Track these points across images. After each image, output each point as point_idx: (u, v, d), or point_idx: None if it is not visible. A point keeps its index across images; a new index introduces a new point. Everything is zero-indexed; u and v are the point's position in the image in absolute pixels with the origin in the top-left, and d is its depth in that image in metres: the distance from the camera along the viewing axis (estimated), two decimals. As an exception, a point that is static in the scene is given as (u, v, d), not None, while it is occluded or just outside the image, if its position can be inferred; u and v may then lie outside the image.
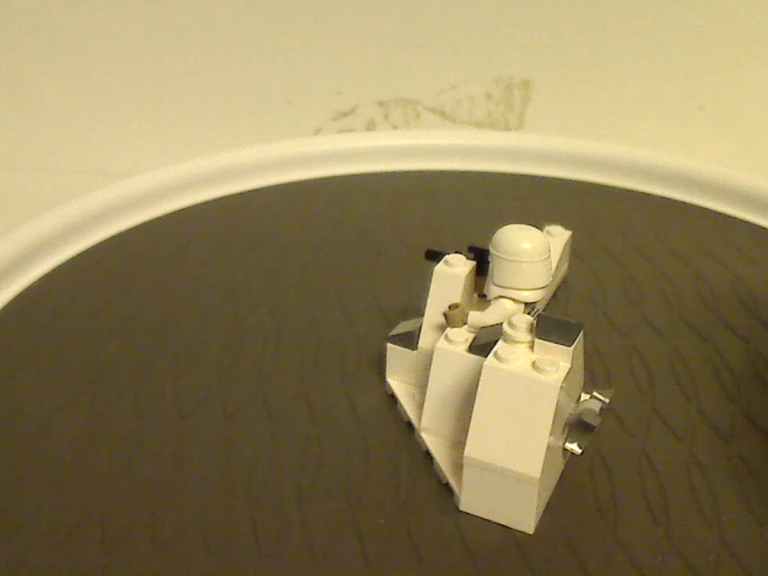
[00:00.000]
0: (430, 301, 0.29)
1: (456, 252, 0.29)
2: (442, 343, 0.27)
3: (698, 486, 0.26)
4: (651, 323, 0.34)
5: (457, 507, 0.25)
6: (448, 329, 0.27)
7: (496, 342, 0.25)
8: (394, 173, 0.48)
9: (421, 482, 0.26)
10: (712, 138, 0.59)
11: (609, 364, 0.32)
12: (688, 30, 0.57)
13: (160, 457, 0.27)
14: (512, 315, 0.26)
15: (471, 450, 0.24)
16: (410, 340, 0.29)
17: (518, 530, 0.25)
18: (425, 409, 0.27)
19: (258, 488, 0.26)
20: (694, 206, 0.44)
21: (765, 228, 0.42)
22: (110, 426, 0.29)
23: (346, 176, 0.47)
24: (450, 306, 0.27)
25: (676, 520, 0.25)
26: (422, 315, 0.30)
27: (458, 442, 0.27)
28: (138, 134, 0.61)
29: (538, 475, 0.23)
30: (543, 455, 0.23)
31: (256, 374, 0.31)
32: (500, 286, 0.27)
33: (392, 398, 0.30)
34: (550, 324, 0.25)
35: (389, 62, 0.59)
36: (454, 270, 0.28)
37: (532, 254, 0.26)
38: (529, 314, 0.27)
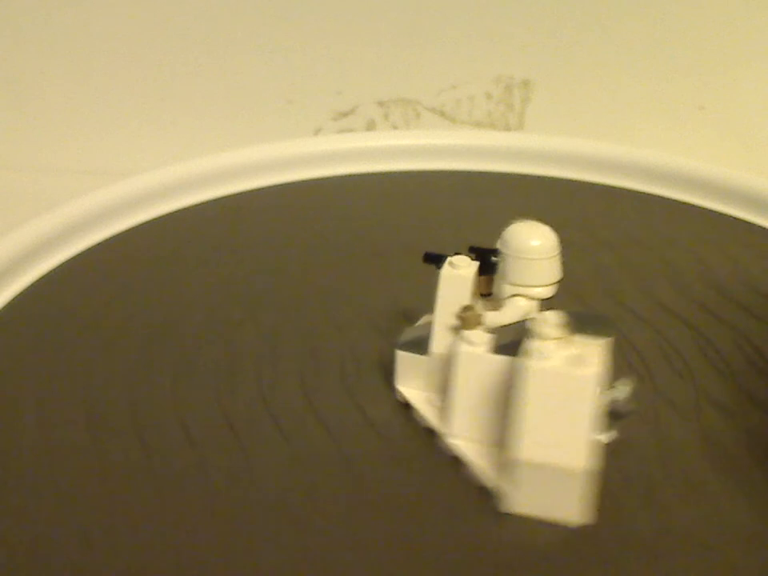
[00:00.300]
0: (438, 304, 0.28)
1: (456, 253, 0.29)
2: (464, 347, 0.26)
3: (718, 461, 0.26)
4: (664, 307, 0.34)
5: (499, 509, 0.25)
6: (463, 331, 0.27)
7: (520, 340, 0.25)
8: (394, 173, 0.48)
9: (457, 487, 0.26)
10: (712, 138, 0.59)
11: (638, 354, 0.32)
12: (688, 30, 0.57)
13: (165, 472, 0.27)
14: (527, 313, 0.26)
15: (519, 450, 0.24)
16: (420, 346, 0.29)
17: (564, 525, 0.25)
18: (452, 414, 0.27)
19: (293, 513, 0.25)
20: (693, 205, 0.44)
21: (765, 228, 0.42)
22: (110, 425, 0.29)
23: (345, 176, 0.47)
24: (463, 309, 0.27)
25: (711, 495, 0.25)
26: (422, 319, 0.31)
27: (493, 443, 0.27)
28: (138, 133, 0.61)
29: (585, 467, 0.24)
30: (588, 447, 0.24)
31: (257, 387, 0.31)
32: (514, 285, 0.27)
33: (405, 406, 0.29)
34: (583, 319, 0.25)
35: (389, 62, 0.59)
36: (461, 271, 0.28)
37: (544, 250, 0.27)
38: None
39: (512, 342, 0.26)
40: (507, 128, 0.61)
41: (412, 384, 0.29)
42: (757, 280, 0.37)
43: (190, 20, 0.58)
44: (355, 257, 0.39)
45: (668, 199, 0.45)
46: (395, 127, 0.61)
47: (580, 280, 0.37)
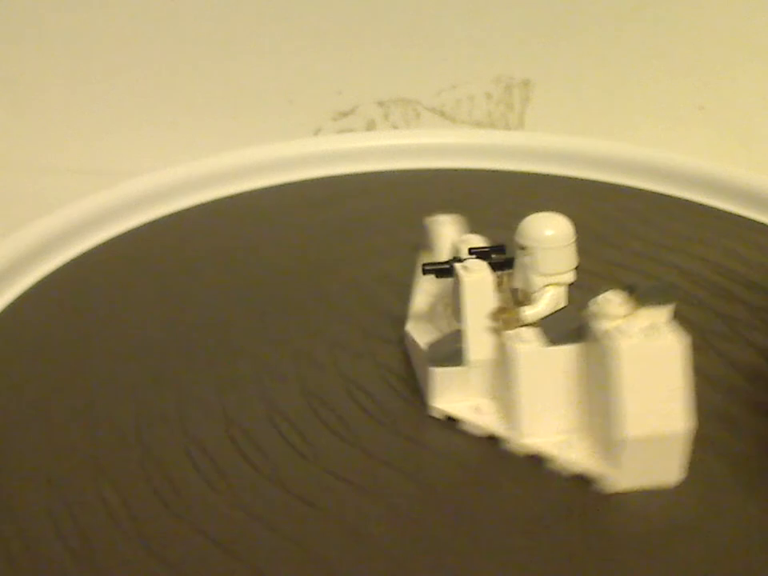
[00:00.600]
0: (468, 312, 0.28)
1: (455, 259, 0.29)
2: (521, 346, 0.26)
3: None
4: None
5: (602, 491, 0.25)
6: (505, 332, 0.27)
7: (576, 327, 0.26)
8: (394, 172, 0.48)
9: (557, 485, 0.26)
10: (712, 137, 0.59)
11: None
12: (688, 29, 0.57)
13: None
14: (558, 301, 0.27)
15: (623, 429, 0.25)
16: (455, 357, 0.28)
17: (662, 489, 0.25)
18: (520, 414, 0.27)
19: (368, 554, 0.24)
20: (694, 202, 0.45)
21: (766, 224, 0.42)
22: (111, 426, 0.29)
23: (345, 175, 0.47)
24: (499, 311, 0.27)
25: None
26: (410, 322, 0.31)
27: (569, 432, 0.27)
28: (138, 134, 0.61)
29: (687, 428, 0.25)
30: (686, 407, 0.25)
31: (259, 389, 0.31)
32: (546, 275, 0.28)
33: (448, 421, 0.28)
34: (645, 290, 0.26)
35: (389, 62, 0.59)
36: (482, 274, 0.28)
37: (569, 236, 0.28)
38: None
39: (566, 330, 0.26)
40: (507, 128, 0.61)
41: (451, 398, 0.29)
42: (757, 277, 0.38)
43: (190, 20, 0.58)
44: (356, 256, 0.39)
45: (669, 196, 0.45)
46: (395, 127, 0.61)
47: (582, 277, 0.37)
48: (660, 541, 0.24)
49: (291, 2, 0.57)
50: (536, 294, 0.28)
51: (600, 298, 0.26)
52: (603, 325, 0.25)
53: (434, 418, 0.29)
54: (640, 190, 0.46)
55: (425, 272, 0.30)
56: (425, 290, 0.33)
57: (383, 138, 0.49)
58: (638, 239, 0.41)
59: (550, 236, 0.27)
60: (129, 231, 0.41)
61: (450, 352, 0.28)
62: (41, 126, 0.61)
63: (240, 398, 0.30)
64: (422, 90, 0.60)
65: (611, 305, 0.25)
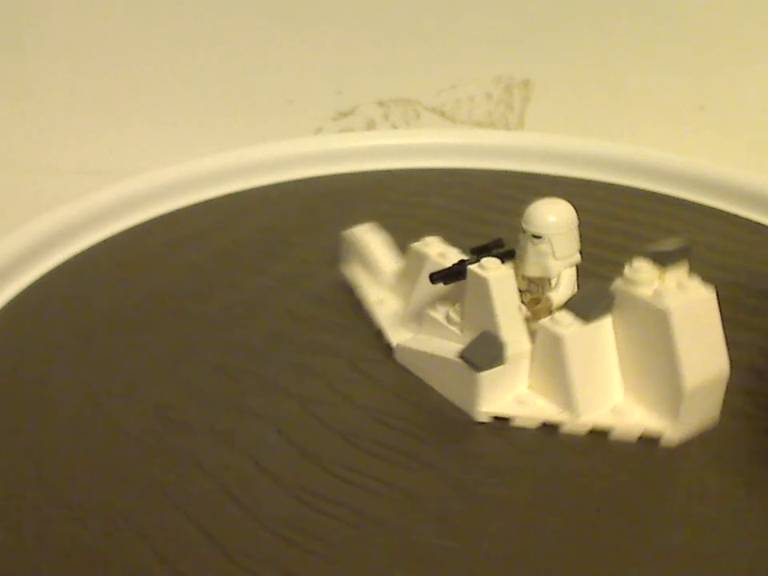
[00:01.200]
0: (498, 309, 0.28)
1: (462, 261, 0.29)
2: (564, 332, 0.27)
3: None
4: None
5: (669, 445, 0.27)
6: (539, 322, 0.28)
7: (604, 303, 0.27)
8: (395, 171, 0.48)
9: (628, 452, 0.27)
10: (712, 137, 0.59)
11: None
12: (688, 29, 0.57)
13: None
14: (573, 280, 0.29)
15: (682, 384, 0.26)
16: (496, 358, 0.28)
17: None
18: (575, 395, 0.27)
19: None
20: (694, 203, 0.45)
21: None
22: (109, 424, 0.29)
23: (346, 174, 0.47)
24: (532, 302, 0.28)
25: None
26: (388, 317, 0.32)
27: (626, 397, 0.28)
28: (138, 134, 0.61)
29: (728, 368, 0.27)
30: (724, 349, 0.27)
31: (259, 389, 0.31)
32: (563, 258, 0.28)
33: (502, 420, 0.28)
34: (665, 254, 0.27)
35: (389, 62, 0.59)
36: (502, 270, 0.28)
37: (575, 217, 0.29)
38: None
39: (597, 307, 0.28)
40: (507, 128, 0.61)
41: (497, 398, 0.28)
42: (757, 277, 0.38)
43: (190, 20, 0.58)
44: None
45: (669, 196, 0.45)
46: (395, 127, 0.61)
47: (584, 277, 0.37)
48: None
49: (291, 1, 0.57)
50: (553, 278, 0.29)
51: (627, 270, 0.27)
52: (641, 291, 0.27)
53: (480, 423, 0.28)
54: (640, 189, 0.46)
55: (434, 281, 0.29)
56: (381, 302, 0.33)
57: (383, 138, 0.49)
58: (638, 239, 0.41)
59: (563, 221, 0.28)
60: (128, 229, 0.41)
61: (490, 354, 0.28)
62: (41, 126, 0.61)
63: (241, 398, 0.30)
64: (422, 90, 0.60)
65: (643, 272, 0.27)
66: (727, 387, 0.28)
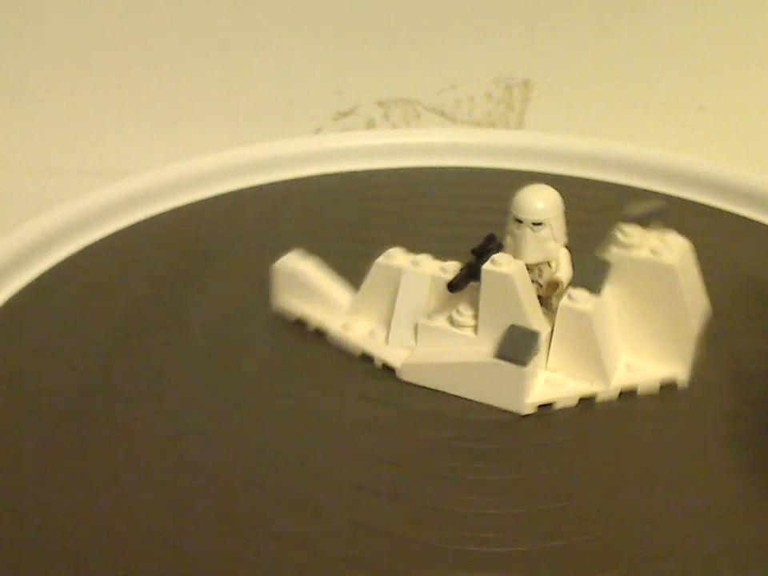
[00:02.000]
0: (523, 300, 0.28)
1: (470, 264, 0.29)
2: (586, 307, 0.28)
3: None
4: None
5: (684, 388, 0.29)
6: (555, 302, 0.29)
7: (605, 273, 0.29)
8: (394, 170, 0.48)
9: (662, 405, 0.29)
10: (712, 137, 0.59)
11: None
12: (688, 29, 0.57)
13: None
14: (568, 257, 0.30)
15: (692, 325, 0.29)
16: (533, 347, 0.28)
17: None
18: (605, 365, 0.29)
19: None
20: (694, 202, 0.45)
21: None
22: (109, 423, 0.29)
23: (346, 174, 0.47)
24: (551, 286, 0.29)
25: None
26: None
27: (636, 353, 0.30)
28: (138, 133, 0.61)
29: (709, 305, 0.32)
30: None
31: (260, 388, 0.31)
32: (559, 239, 0.29)
33: (543, 408, 0.29)
34: (647, 215, 0.30)
35: (389, 62, 0.59)
36: (516, 263, 0.29)
37: (561, 199, 0.30)
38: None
39: (600, 280, 0.29)
40: (507, 128, 0.61)
41: (534, 387, 0.29)
42: (757, 277, 0.37)
43: (190, 20, 0.58)
44: (356, 255, 0.39)
45: (668, 196, 0.45)
46: (395, 127, 0.61)
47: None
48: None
49: (291, 1, 0.57)
50: (553, 261, 0.29)
51: (620, 236, 0.29)
52: (640, 253, 0.29)
53: (526, 416, 0.29)
54: (640, 189, 0.46)
55: (456, 289, 0.29)
56: (348, 327, 0.32)
57: (383, 138, 0.49)
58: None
59: (556, 203, 0.29)
60: (128, 229, 0.41)
61: (527, 346, 0.28)
62: (41, 125, 0.61)
63: (243, 397, 0.30)
64: (422, 90, 0.60)
65: (635, 236, 0.29)
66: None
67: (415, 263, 0.31)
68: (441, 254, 0.32)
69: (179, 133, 0.60)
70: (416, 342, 0.31)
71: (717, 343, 0.33)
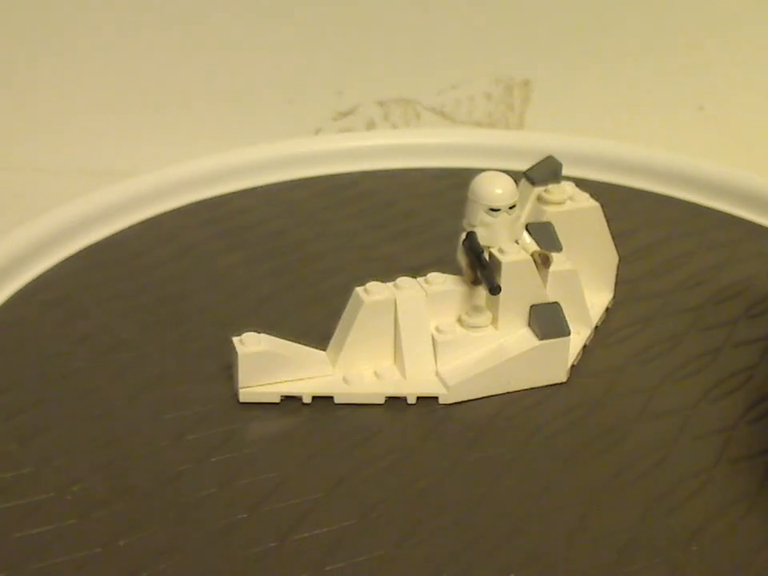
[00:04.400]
0: (539, 279, 0.30)
1: (482, 264, 0.29)
2: (571, 264, 0.31)
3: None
4: (664, 303, 0.36)
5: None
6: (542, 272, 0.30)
7: (553, 231, 0.31)
8: (395, 171, 0.48)
9: None
10: (712, 138, 0.59)
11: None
12: (688, 29, 0.57)
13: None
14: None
15: (617, 255, 0.35)
16: (563, 316, 0.30)
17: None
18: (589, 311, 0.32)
19: None
20: (694, 203, 0.44)
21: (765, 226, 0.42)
22: (107, 423, 0.29)
23: (346, 174, 0.47)
24: (544, 259, 0.30)
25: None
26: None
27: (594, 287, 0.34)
28: (138, 134, 0.61)
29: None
30: None
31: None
32: (520, 218, 0.31)
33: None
34: (552, 172, 0.34)
35: (389, 62, 0.59)
36: (523, 250, 0.30)
37: None
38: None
39: (554, 238, 0.31)
40: (507, 128, 0.61)
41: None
42: (756, 279, 0.37)
43: (190, 20, 0.58)
44: (355, 254, 0.39)
45: (668, 197, 0.45)
46: (395, 127, 0.61)
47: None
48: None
49: (291, 1, 0.57)
50: (520, 238, 0.31)
51: (546, 192, 0.32)
52: (567, 206, 0.33)
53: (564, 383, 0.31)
54: (639, 190, 0.46)
55: (498, 291, 0.29)
56: (346, 381, 0.29)
57: (383, 138, 0.49)
58: (638, 239, 0.41)
59: (512, 182, 0.30)
60: (128, 229, 0.41)
61: (558, 318, 0.30)
62: (41, 126, 0.61)
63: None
64: (422, 90, 0.60)
65: (556, 192, 0.33)
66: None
67: (400, 288, 0.29)
68: (443, 255, 0.32)
69: (179, 133, 0.60)
70: (436, 361, 0.30)
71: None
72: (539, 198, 0.33)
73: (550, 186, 0.33)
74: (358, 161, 0.48)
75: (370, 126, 0.61)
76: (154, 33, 0.58)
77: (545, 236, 0.31)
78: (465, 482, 0.26)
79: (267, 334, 0.29)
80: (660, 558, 0.24)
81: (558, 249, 0.31)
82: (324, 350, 0.30)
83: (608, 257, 0.35)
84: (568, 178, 0.47)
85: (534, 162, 0.49)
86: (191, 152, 0.47)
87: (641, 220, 0.43)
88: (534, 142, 0.49)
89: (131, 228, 0.41)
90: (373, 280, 0.30)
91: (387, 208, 0.44)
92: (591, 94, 0.59)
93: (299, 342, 0.30)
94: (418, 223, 0.42)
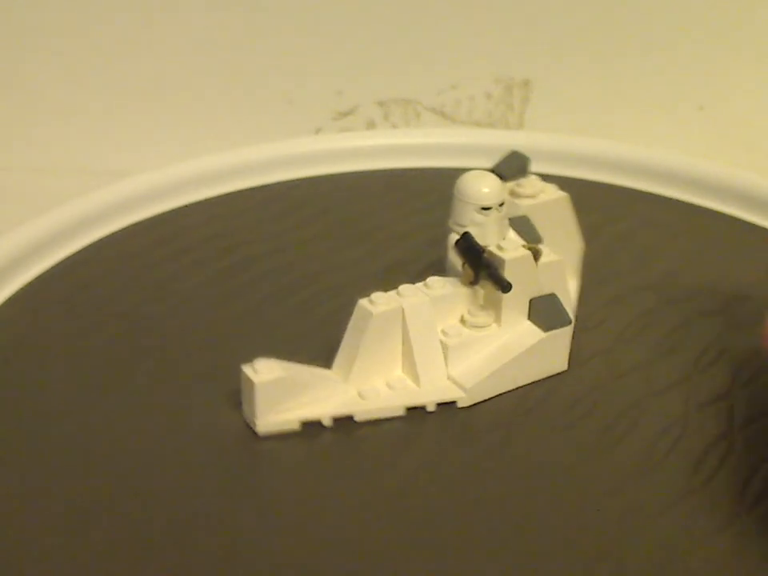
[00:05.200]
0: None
1: (486, 263, 0.29)
2: (557, 257, 0.31)
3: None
4: (663, 304, 0.36)
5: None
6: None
7: (532, 227, 0.32)
8: (395, 171, 0.48)
9: None
10: (712, 138, 0.59)
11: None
12: (688, 29, 0.57)
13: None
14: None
15: (582, 240, 0.37)
16: (561, 305, 0.31)
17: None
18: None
19: None
20: (693, 205, 0.44)
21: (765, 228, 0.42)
22: (107, 423, 0.29)
23: (345, 174, 0.47)
24: (536, 255, 0.30)
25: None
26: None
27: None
28: (138, 133, 0.61)
29: None
30: None
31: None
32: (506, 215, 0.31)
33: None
34: (519, 167, 0.35)
35: (389, 62, 0.59)
36: (522, 246, 0.30)
37: None
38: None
39: (533, 231, 0.32)
40: (507, 128, 0.61)
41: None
42: (756, 280, 0.38)
43: (190, 20, 0.58)
44: (355, 254, 0.39)
45: (668, 198, 0.45)
46: (395, 127, 0.61)
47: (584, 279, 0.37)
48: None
49: (291, 1, 0.57)
50: (506, 235, 0.31)
51: (519, 186, 0.33)
52: (538, 200, 0.33)
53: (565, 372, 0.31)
54: (639, 190, 0.46)
55: (509, 288, 0.29)
56: (363, 396, 0.29)
57: (383, 138, 0.49)
58: (637, 239, 0.41)
59: (497, 179, 0.30)
60: (128, 229, 0.41)
61: (558, 307, 0.30)
62: (41, 126, 0.61)
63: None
64: (422, 90, 0.60)
65: (527, 186, 0.33)
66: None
67: (404, 295, 0.29)
68: (444, 255, 0.32)
69: (178, 133, 0.60)
70: (447, 365, 0.29)
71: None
72: (512, 193, 0.33)
73: (522, 180, 0.34)
74: (358, 161, 0.48)
75: (370, 126, 0.61)
76: (154, 33, 0.58)
77: (526, 229, 0.32)
78: (519, 484, 0.27)
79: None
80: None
81: (540, 241, 0.31)
82: (319, 365, 0.29)
83: (575, 245, 0.36)
84: (568, 179, 0.47)
85: (533, 162, 0.49)
86: (191, 152, 0.47)
87: (639, 219, 0.43)
88: (534, 141, 0.49)
89: (130, 228, 0.41)
90: (375, 285, 0.30)
91: (388, 208, 0.44)
92: (591, 93, 0.59)
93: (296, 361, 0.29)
94: (418, 223, 0.42)
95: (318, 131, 0.61)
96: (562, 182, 0.47)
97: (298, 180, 0.46)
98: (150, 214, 0.43)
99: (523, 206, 0.33)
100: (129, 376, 0.31)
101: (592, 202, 0.45)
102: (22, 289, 0.36)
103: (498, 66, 0.59)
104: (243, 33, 0.58)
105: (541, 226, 0.32)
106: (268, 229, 0.41)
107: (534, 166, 0.48)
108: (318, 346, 0.31)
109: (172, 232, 0.41)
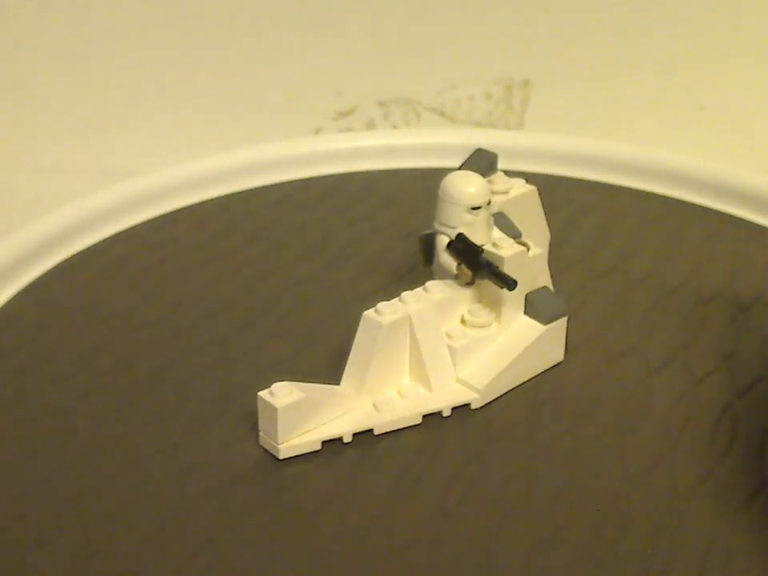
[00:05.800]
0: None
1: (484, 262, 0.29)
2: (539, 250, 0.31)
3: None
4: (661, 304, 0.36)
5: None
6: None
7: (510, 222, 0.32)
8: (395, 171, 0.48)
9: None
10: (712, 138, 0.59)
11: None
12: (688, 29, 0.57)
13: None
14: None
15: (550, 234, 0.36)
16: (552, 295, 0.31)
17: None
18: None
19: None
20: (693, 204, 0.44)
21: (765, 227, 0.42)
22: (108, 424, 0.29)
23: (346, 174, 0.47)
24: (525, 246, 0.30)
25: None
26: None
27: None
28: (139, 134, 0.61)
29: None
30: None
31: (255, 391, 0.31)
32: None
33: None
34: (489, 163, 0.34)
35: (389, 62, 0.59)
36: (518, 245, 0.30)
37: None
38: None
39: (513, 227, 0.32)
40: (507, 128, 0.61)
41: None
42: (756, 280, 0.38)
43: (190, 20, 0.58)
44: (355, 254, 0.39)
45: (668, 197, 0.45)
46: (395, 127, 0.61)
47: (585, 278, 0.37)
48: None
49: (291, 1, 0.57)
50: (494, 237, 0.31)
51: (490, 182, 0.32)
52: (510, 195, 0.33)
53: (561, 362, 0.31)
54: (639, 190, 0.46)
55: (514, 286, 0.29)
56: (377, 408, 0.28)
57: (383, 138, 0.49)
58: (638, 239, 0.41)
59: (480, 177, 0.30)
60: (128, 229, 0.41)
61: (554, 300, 0.31)
62: (41, 125, 0.61)
63: (242, 397, 0.30)
64: (422, 90, 0.60)
65: (499, 183, 0.33)
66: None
67: (407, 302, 0.29)
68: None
69: (179, 133, 0.60)
70: (455, 368, 0.29)
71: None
72: None
73: (493, 177, 0.34)
74: (358, 161, 0.48)
75: (370, 126, 0.61)
76: (154, 33, 0.58)
77: (505, 225, 0.32)
78: (560, 475, 0.27)
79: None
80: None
81: (520, 235, 0.31)
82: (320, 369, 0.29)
83: (544, 236, 0.36)
84: (568, 179, 0.47)
85: (533, 162, 0.49)
86: (191, 152, 0.47)
87: (639, 219, 0.43)
88: (534, 141, 0.49)
89: (130, 228, 0.41)
90: (376, 287, 0.29)
91: (388, 208, 0.44)
92: (591, 94, 0.59)
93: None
94: (419, 223, 0.42)
95: (317, 131, 0.61)
96: (563, 182, 0.47)
97: (298, 180, 0.46)
98: (150, 215, 0.43)
99: (497, 202, 0.32)
100: (129, 375, 0.31)
101: (592, 202, 0.45)
102: (22, 289, 0.36)
103: (498, 66, 0.59)
104: (243, 33, 0.58)
105: (514, 219, 0.32)
106: (268, 229, 0.41)
107: (535, 166, 0.49)
108: (321, 353, 0.32)
109: (173, 233, 0.41)
